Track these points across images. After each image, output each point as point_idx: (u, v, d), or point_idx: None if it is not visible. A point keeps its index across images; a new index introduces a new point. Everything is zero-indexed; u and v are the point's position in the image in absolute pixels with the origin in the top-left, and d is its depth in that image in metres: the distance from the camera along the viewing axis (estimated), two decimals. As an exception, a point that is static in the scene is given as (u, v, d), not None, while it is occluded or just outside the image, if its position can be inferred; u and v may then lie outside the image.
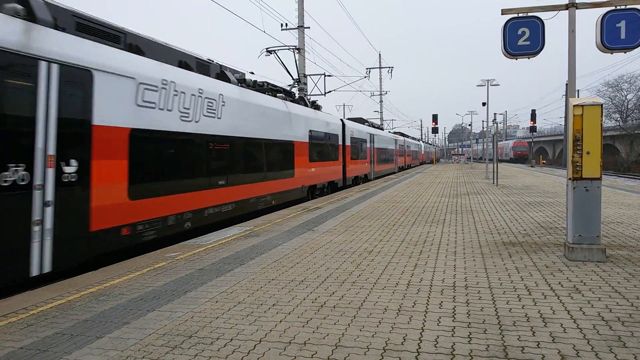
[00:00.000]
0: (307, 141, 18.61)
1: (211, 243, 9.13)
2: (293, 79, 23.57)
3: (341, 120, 24.95)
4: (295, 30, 25.26)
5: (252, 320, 4.78)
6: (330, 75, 29.45)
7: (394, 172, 41.94)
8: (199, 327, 4.64)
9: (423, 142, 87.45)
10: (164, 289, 5.99)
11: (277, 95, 17.10)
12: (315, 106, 21.99)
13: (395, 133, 53.68)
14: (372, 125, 36.30)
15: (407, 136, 66.80)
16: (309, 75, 26.89)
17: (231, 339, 4.31)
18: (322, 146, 20.88)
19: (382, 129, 41.66)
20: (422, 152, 73.63)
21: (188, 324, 4.72)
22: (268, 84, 17.09)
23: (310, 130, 19.03)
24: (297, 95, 21.74)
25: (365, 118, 35.40)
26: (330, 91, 30.08)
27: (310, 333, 4.40)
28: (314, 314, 4.94)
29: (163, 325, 4.71)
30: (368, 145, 30.69)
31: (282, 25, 25.47)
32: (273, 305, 5.27)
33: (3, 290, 6.50)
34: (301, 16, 25.03)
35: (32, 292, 6.08)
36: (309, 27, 25.82)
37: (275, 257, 7.74)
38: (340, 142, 23.89)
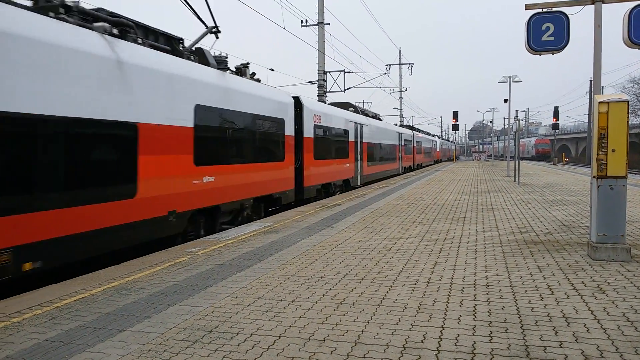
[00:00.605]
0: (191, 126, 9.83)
1: (231, 239, 9.19)
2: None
3: (294, 98, 16.21)
4: (315, 26, 25.24)
5: (271, 316, 4.80)
6: (350, 72, 29.39)
7: (397, 174, 33.25)
8: (219, 321, 4.68)
9: (439, 137, 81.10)
10: (185, 284, 6.05)
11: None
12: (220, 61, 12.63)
13: (402, 126, 49.56)
14: (364, 113, 27.64)
15: (418, 130, 56.86)
16: (329, 71, 26.87)
17: (251, 334, 4.33)
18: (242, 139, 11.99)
19: (379, 119, 31.80)
20: (438, 149, 67.44)
21: (208, 319, 4.76)
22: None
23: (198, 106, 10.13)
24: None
25: (352, 103, 26.87)
26: (349, 88, 30.05)
27: (330, 329, 4.41)
28: (333, 310, 4.94)
29: (184, 319, 4.76)
30: (352, 138, 22.51)
31: (302, 21, 25.49)
32: (292, 301, 5.28)
33: None
34: (321, 12, 25.01)
35: (56, 285, 6.19)
36: (329, 24, 25.65)
37: (294, 253, 7.76)
38: (288, 132, 15.02)
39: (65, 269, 7.37)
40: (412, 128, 50.78)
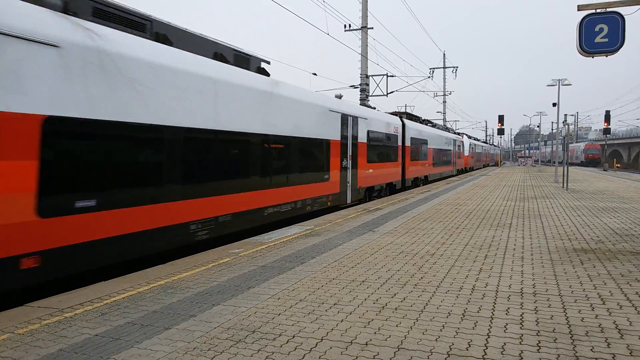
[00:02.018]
0: None
1: (273, 241, 9.28)
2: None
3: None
4: (358, 31, 25.23)
5: (313, 319, 4.81)
6: (392, 76, 29.23)
7: (397, 189, 23.11)
8: (261, 322, 4.72)
9: (473, 138, 70.62)
10: (228, 284, 6.14)
11: None
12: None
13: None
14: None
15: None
16: (371, 75, 26.79)
17: (293, 336, 4.35)
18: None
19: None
20: (468, 154, 52.53)
21: (251, 319, 4.81)
22: None
23: None
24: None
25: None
26: (392, 92, 29.84)
27: (372, 334, 4.38)
28: (375, 314, 4.91)
29: (227, 319, 4.83)
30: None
31: (345, 26, 25.52)
32: (334, 304, 5.28)
33: None
34: (365, 17, 24.97)
35: (106, 282, 6.40)
36: (372, 28, 25.60)
37: (335, 256, 7.76)
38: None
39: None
40: (426, 122, 54.40)
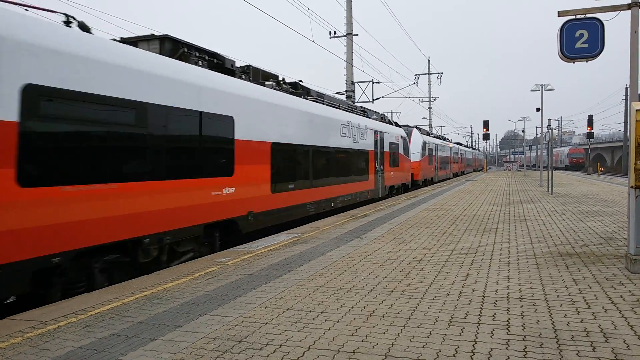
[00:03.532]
0: None
1: (260, 249, 9.23)
2: None
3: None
4: (343, 38, 25.35)
5: (300, 327, 4.79)
6: (378, 82, 29.39)
7: (450, 177, 34.35)
8: (248, 332, 4.69)
9: (472, 148, 71.35)
10: (215, 294, 6.09)
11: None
12: None
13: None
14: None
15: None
16: (357, 82, 26.89)
17: (280, 345, 4.32)
18: None
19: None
20: (421, 158, 34.91)
21: (238, 329, 4.77)
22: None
23: None
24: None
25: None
26: (378, 98, 30.01)
27: (359, 342, 4.36)
28: (362, 322, 4.90)
29: (214, 329, 4.78)
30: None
31: (330, 33, 25.62)
32: (322, 312, 5.26)
33: None
34: (349, 23, 25.10)
35: (90, 294, 6.31)
36: (357, 35, 25.75)
37: (323, 264, 7.74)
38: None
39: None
40: (460, 144, 60.85)
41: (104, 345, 4.42)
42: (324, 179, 15.07)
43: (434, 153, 36.75)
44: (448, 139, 56.67)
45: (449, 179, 45.75)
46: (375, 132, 20.72)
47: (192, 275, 7.14)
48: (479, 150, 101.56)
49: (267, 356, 4.09)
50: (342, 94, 25.76)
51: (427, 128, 56.61)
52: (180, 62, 9.00)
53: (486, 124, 48.82)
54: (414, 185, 29.98)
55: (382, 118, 24.47)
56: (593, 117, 48.92)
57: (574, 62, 7.90)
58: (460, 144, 66.98)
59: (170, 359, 4.08)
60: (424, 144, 33.09)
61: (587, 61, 7.79)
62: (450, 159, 48.30)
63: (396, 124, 27.37)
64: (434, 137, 42.83)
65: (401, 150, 25.17)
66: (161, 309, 5.49)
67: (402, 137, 25.61)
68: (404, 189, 26.44)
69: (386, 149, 22.22)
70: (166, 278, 7.03)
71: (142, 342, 4.46)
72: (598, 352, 4.00)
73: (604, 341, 4.25)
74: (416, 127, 35.17)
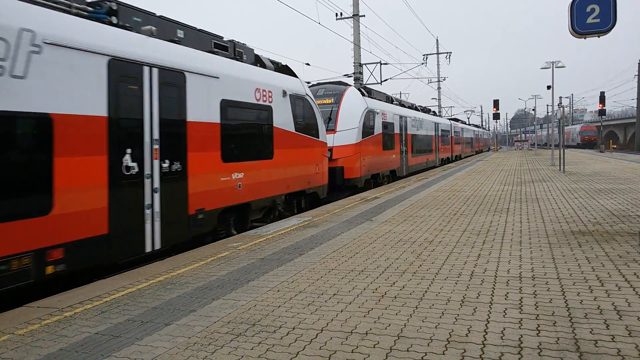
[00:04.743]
0: None
1: (271, 233, 9.28)
2: None
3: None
4: (350, 19, 25.09)
5: (313, 310, 4.82)
6: (386, 64, 29.13)
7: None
8: (261, 315, 4.73)
9: (482, 128, 63.90)
10: (228, 278, 6.14)
11: None
12: None
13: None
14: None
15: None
16: (365, 64, 26.68)
17: (293, 328, 4.36)
18: None
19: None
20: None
21: (251, 312, 4.82)
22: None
23: None
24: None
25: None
26: (386, 79, 29.76)
27: (372, 323, 4.39)
28: (374, 304, 4.92)
29: (227, 313, 4.83)
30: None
31: (336, 14, 25.37)
32: (334, 294, 5.29)
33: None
34: (356, 4, 24.82)
35: (105, 280, 6.40)
36: (364, 16, 25.40)
37: (334, 247, 7.76)
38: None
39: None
40: (457, 121, 57.72)
41: (120, 331, 4.48)
42: None
43: (398, 130, 23.24)
44: (437, 114, 42.70)
45: (434, 167, 32.28)
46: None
47: (204, 260, 7.20)
48: (477, 125, 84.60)
49: (281, 338, 4.12)
50: (350, 76, 25.59)
51: (436, 109, 56.03)
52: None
53: (496, 103, 48.27)
54: (336, 189, 16.80)
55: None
56: (605, 94, 48.21)
57: (585, 38, 7.76)
58: (457, 120, 53.86)
59: (185, 343, 4.13)
60: (368, 113, 19.01)
61: (598, 37, 7.63)
62: (436, 138, 33.48)
63: (286, 70, 13.34)
64: (402, 105, 27.02)
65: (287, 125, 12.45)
66: (175, 294, 5.55)
67: (288, 93, 12.37)
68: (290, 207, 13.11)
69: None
70: (179, 264, 7.10)
71: (157, 327, 4.53)
72: (612, 330, 3.99)
73: (617, 318, 4.24)
74: (361, 86, 23.46)
